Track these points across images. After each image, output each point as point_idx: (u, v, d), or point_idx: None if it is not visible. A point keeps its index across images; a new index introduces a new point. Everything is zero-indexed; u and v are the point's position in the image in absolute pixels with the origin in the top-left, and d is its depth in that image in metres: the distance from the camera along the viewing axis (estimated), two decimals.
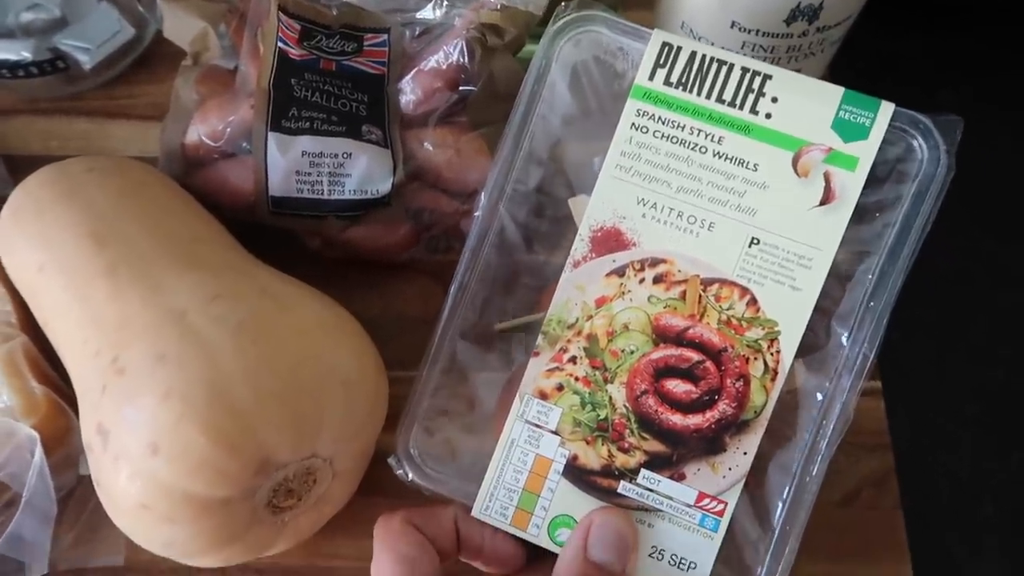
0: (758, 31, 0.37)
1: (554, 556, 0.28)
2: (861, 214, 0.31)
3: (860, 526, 0.35)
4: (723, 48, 0.32)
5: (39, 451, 0.31)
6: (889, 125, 0.30)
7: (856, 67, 0.44)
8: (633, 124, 0.31)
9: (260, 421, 0.26)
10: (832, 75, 0.43)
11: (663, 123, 0.31)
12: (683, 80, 0.31)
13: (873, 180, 0.30)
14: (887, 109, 0.30)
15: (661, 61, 0.31)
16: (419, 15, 0.38)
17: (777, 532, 0.29)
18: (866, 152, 0.30)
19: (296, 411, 0.27)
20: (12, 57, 0.41)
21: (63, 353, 0.31)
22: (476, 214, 0.31)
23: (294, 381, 0.27)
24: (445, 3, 0.37)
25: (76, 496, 0.34)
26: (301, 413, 0.27)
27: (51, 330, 0.32)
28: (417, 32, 0.38)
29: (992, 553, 0.41)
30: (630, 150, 0.31)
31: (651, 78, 0.31)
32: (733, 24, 0.37)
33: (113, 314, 0.29)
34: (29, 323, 0.34)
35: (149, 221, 0.32)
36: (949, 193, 0.30)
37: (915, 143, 0.30)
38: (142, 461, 0.26)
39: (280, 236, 0.37)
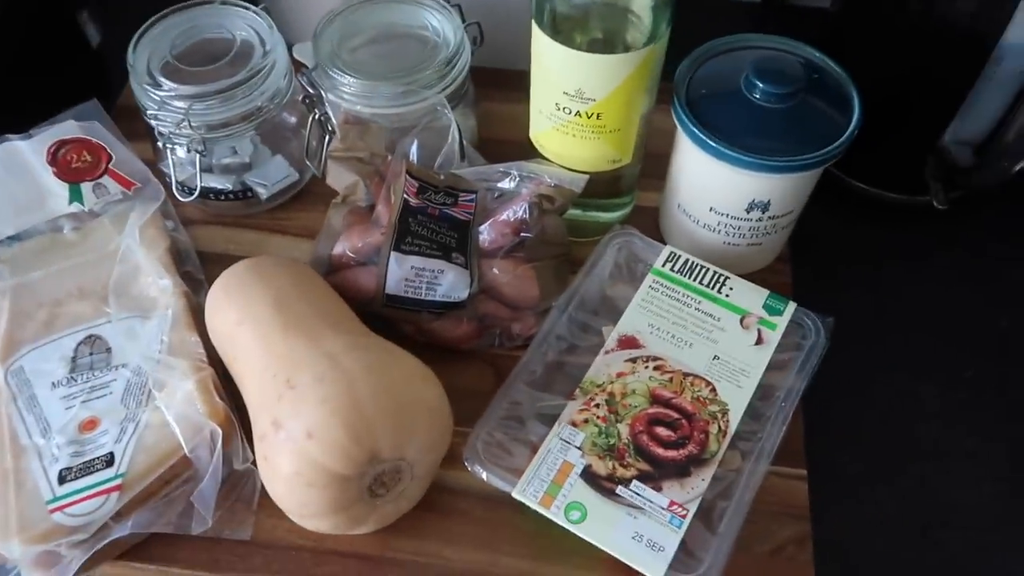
0: (727, 214, 0.54)
1: None
2: (778, 358, 0.50)
3: (781, 572, 0.47)
4: (700, 259, 0.54)
5: (220, 442, 0.46)
6: (795, 311, 0.51)
7: (812, 247, 0.61)
8: (650, 286, 0.52)
9: (377, 426, 0.41)
10: (793, 247, 0.60)
11: (667, 288, 0.52)
12: (681, 270, 0.52)
13: (784, 339, 0.50)
14: (792, 305, 0.51)
15: (669, 258, 0.53)
16: (498, 184, 0.55)
17: (719, 535, 0.44)
18: (781, 321, 0.50)
19: (398, 423, 0.42)
20: (218, 186, 0.60)
21: (246, 376, 0.47)
22: (549, 319, 0.51)
23: (399, 403, 0.43)
24: (517, 179, 0.54)
25: (228, 484, 0.48)
26: (401, 425, 0.42)
27: (239, 362, 0.47)
28: (496, 195, 0.56)
29: None
30: (647, 298, 0.51)
31: (662, 266, 0.52)
32: (711, 208, 0.54)
33: (287, 352, 0.45)
34: (213, 361, 0.51)
35: (310, 299, 0.49)
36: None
37: (808, 321, 0.51)
38: (301, 442, 0.41)
39: (385, 322, 0.53)
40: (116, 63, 0.63)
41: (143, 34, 0.56)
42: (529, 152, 0.59)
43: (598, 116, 0.50)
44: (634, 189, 0.60)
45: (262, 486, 0.47)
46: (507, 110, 0.63)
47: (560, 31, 0.49)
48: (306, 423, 0.41)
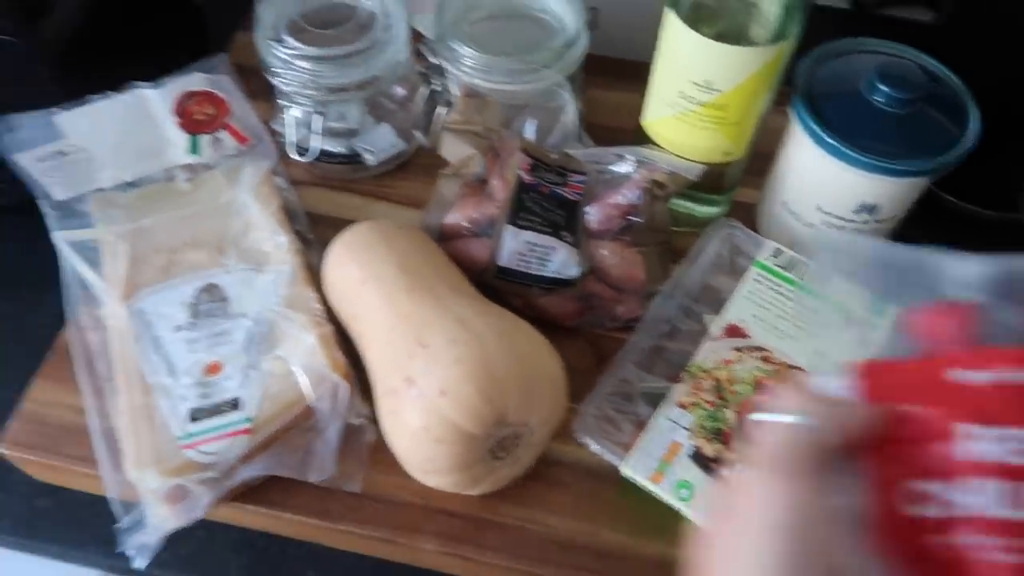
0: (834, 214, 0.55)
1: None
2: None
3: None
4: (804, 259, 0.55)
5: (345, 394, 0.48)
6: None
7: None
8: (754, 278, 0.54)
9: (507, 389, 0.43)
10: None
11: (771, 281, 0.54)
12: (784, 265, 0.54)
13: None
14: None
15: (772, 253, 0.54)
16: (610, 167, 0.57)
17: None
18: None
19: (526, 389, 0.44)
20: (332, 149, 0.61)
21: (368, 334, 0.48)
22: (656, 303, 0.53)
23: (527, 370, 0.44)
24: (634, 162, 0.56)
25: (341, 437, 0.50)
26: (528, 391, 0.44)
27: (360, 320, 0.49)
28: (605, 177, 0.57)
29: None
30: (751, 290, 0.53)
31: (766, 259, 0.54)
32: (818, 207, 0.55)
33: (414, 313, 0.46)
34: (330, 318, 0.52)
35: (432, 262, 0.50)
36: None
37: None
38: (433, 399, 0.42)
39: (493, 294, 0.54)
40: (216, 20, 0.64)
41: None
42: (632, 139, 0.60)
43: (722, 108, 0.51)
44: (736, 187, 0.61)
45: (373, 441, 0.49)
46: (612, 98, 0.65)
47: (688, 20, 0.50)
48: (439, 381, 0.43)
